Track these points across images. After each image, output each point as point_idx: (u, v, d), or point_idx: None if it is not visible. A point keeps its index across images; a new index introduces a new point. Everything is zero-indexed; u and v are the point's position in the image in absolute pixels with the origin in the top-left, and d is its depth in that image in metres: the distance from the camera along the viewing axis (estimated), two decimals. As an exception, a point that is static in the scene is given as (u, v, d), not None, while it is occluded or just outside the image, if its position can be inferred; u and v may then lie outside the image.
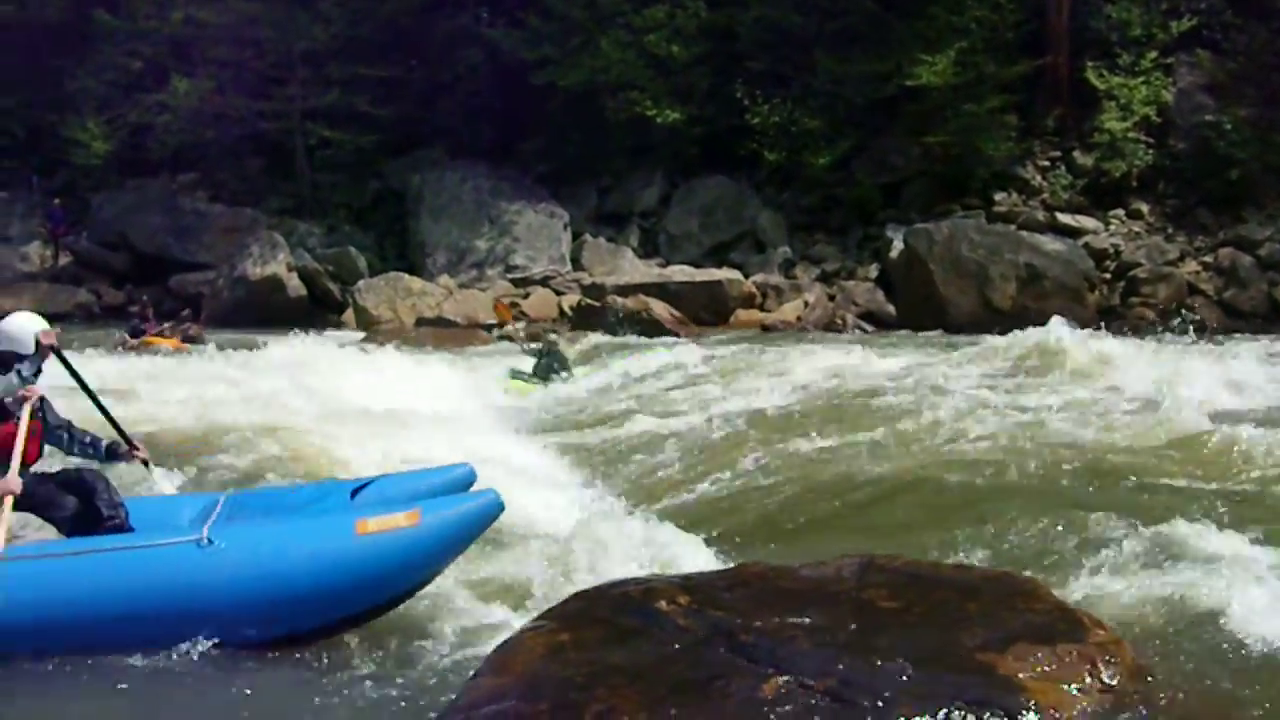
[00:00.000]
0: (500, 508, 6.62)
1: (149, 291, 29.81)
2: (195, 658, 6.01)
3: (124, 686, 5.75)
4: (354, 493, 7.18)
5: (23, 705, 5.69)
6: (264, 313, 28.40)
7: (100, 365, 16.15)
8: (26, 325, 7.16)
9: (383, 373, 16.67)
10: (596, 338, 22.39)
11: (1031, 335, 16.11)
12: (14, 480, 6.45)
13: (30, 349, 7.04)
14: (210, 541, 6.19)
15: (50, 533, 6.66)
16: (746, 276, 29.06)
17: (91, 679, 5.85)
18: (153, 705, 5.66)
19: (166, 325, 24.02)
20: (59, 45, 36.83)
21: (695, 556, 7.20)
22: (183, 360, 19.21)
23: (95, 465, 7.26)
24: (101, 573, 6.10)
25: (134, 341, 22.39)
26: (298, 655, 6.09)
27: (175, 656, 6.01)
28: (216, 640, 6.06)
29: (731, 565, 6.16)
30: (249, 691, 5.65)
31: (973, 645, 4.60)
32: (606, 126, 33.06)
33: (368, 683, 5.79)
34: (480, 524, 6.62)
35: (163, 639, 6.00)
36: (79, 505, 6.80)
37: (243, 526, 6.57)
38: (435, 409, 14.16)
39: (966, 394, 13.18)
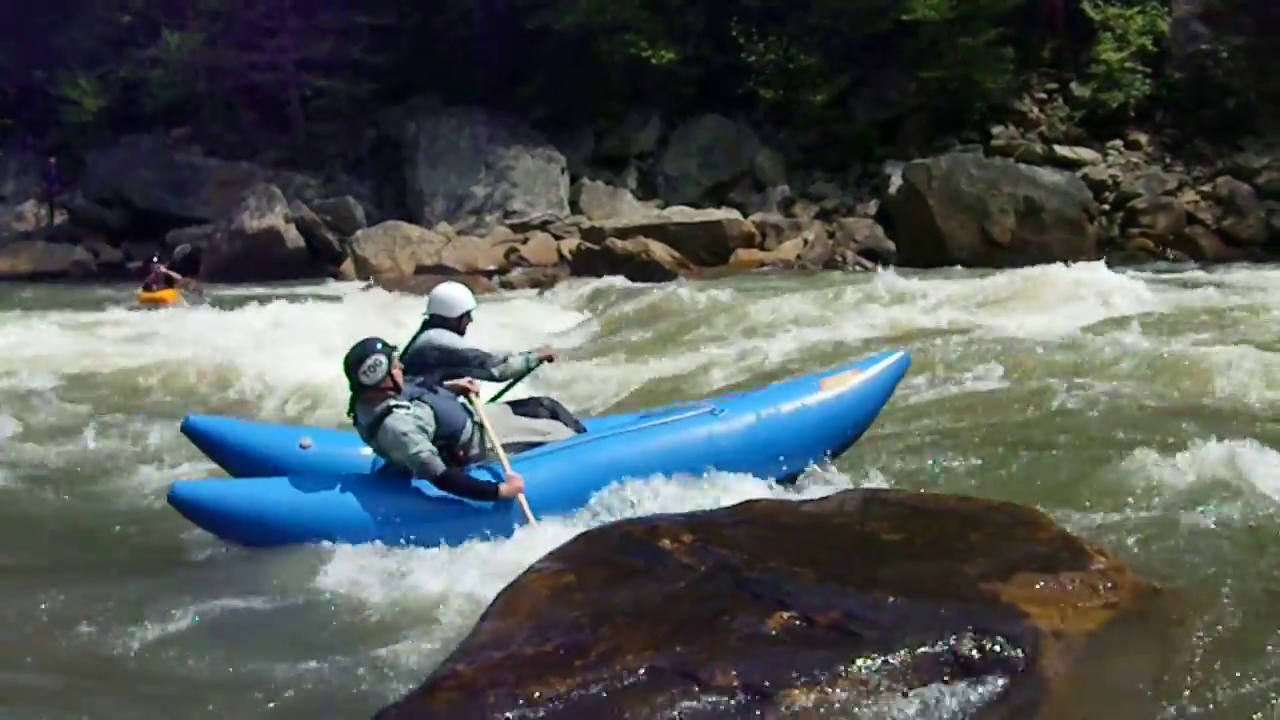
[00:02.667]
0: (909, 362, 8.38)
1: (148, 248, 29.64)
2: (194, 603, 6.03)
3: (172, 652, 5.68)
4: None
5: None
6: (263, 265, 28.30)
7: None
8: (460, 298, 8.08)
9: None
10: (596, 281, 22.30)
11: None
12: (517, 479, 6.89)
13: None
14: (720, 410, 7.61)
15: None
16: (745, 216, 28.83)
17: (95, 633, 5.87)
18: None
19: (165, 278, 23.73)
20: (47, 1, 36.53)
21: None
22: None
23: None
24: (667, 439, 7.44)
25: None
26: (293, 606, 6.04)
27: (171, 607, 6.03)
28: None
29: (735, 502, 6.17)
30: (241, 650, 5.54)
31: (976, 575, 4.63)
32: (602, 69, 32.78)
33: (375, 626, 5.80)
34: (900, 376, 8.28)
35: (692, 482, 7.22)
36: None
37: (735, 399, 8.07)
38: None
39: (964, 327, 13.19)
